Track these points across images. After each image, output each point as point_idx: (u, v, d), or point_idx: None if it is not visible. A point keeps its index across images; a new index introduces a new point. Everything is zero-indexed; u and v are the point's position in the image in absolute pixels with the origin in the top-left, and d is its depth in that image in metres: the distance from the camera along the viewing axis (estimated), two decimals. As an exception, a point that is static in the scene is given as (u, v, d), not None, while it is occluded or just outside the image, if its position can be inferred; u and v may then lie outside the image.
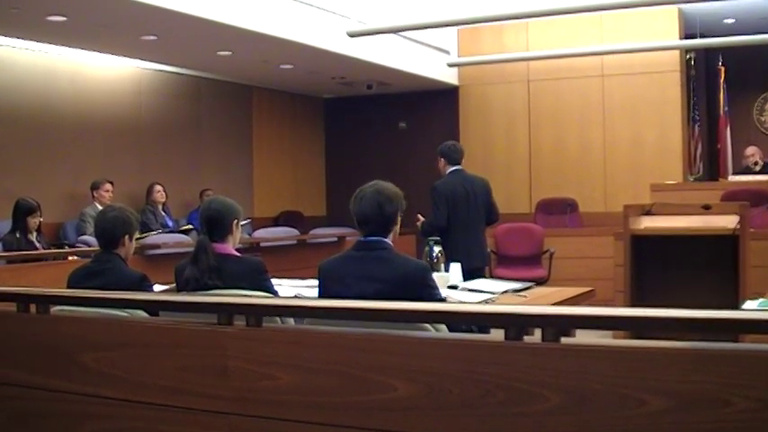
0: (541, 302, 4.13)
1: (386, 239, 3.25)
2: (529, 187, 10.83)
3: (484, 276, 5.66)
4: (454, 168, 6.03)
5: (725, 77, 10.94)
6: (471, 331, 2.80)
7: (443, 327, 2.64)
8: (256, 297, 3.11)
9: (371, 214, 3.20)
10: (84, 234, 7.72)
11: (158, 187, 9.04)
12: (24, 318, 2.91)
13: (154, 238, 7.44)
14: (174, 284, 3.67)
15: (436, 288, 3.28)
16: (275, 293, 3.59)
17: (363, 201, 3.24)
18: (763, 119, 11.54)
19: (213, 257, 3.45)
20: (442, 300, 3.28)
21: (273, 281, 3.68)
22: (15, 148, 8.13)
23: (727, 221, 5.01)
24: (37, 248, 6.71)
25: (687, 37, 10.26)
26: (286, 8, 7.99)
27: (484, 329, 2.94)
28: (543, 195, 10.42)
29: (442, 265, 4.98)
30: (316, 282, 3.48)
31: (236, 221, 3.65)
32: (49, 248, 7.06)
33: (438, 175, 6.07)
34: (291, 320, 2.83)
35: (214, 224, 3.59)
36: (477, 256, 5.88)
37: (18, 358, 2.86)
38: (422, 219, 5.99)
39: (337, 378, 2.24)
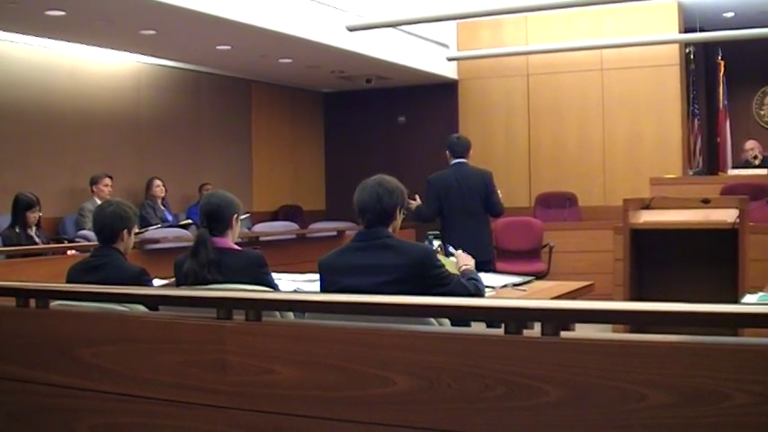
0: (541, 296, 4.13)
1: (386, 229, 3.26)
2: (528, 181, 10.83)
3: (489, 270, 5.62)
4: (456, 161, 6.05)
5: (724, 71, 10.95)
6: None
7: (446, 320, 2.65)
8: (256, 291, 3.10)
9: (370, 204, 3.23)
10: (84, 229, 7.71)
11: (157, 182, 9.03)
12: (24, 312, 2.91)
13: (153, 232, 7.44)
14: (174, 279, 3.68)
15: (443, 266, 3.33)
16: (275, 287, 3.59)
17: (364, 191, 3.27)
18: (762, 112, 11.54)
19: (213, 251, 3.46)
20: (450, 275, 3.30)
21: (273, 275, 3.68)
22: (14, 142, 8.11)
23: (727, 215, 5.02)
24: (36, 243, 6.71)
25: (686, 31, 10.24)
26: (285, 2, 7.98)
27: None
28: (542, 189, 10.42)
29: (442, 258, 4.97)
30: (315, 276, 3.48)
31: (235, 216, 3.66)
32: (49, 243, 7.06)
33: (441, 168, 6.09)
34: (291, 314, 2.83)
35: (214, 218, 3.59)
36: (470, 251, 5.85)
37: (17, 353, 2.86)
38: (418, 201, 6.03)
39: (337, 372, 2.24)
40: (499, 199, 6.15)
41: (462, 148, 6.11)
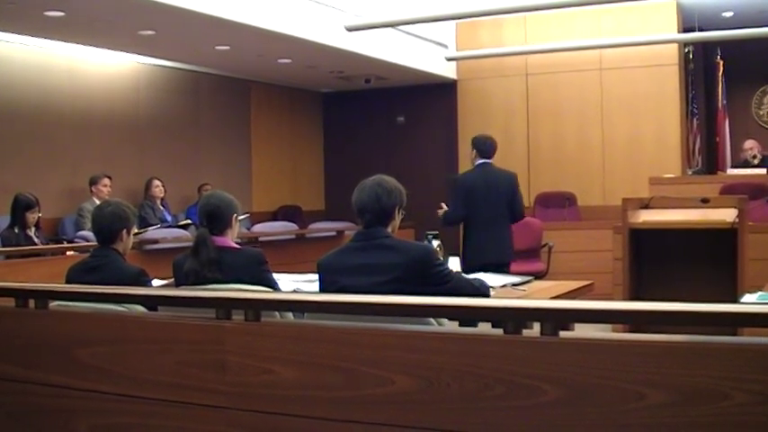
0: (540, 296, 4.13)
1: (384, 229, 3.27)
2: (527, 181, 10.80)
3: (505, 272, 5.60)
4: (482, 161, 6.01)
5: (723, 71, 10.96)
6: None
7: (445, 320, 2.65)
8: (255, 291, 3.10)
9: (369, 205, 3.23)
10: (83, 229, 7.71)
11: (157, 182, 9.03)
12: (23, 313, 2.90)
13: (152, 232, 7.43)
14: (173, 279, 3.68)
15: (443, 263, 3.34)
16: (275, 284, 3.60)
17: (363, 191, 3.28)
18: (761, 112, 11.54)
19: (213, 250, 3.46)
20: (451, 273, 3.30)
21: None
22: (13, 143, 8.11)
23: (726, 215, 5.02)
24: (35, 244, 6.71)
25: (685, 30, 10.24)
26: (284, 2, 7.98)
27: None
28: (542, 189, 10.42)
29: (441, 259, 4.97)
30: (314, 276, 3.48)
31: (235, 215, 3.67)
32: (48, 244, 7.06)
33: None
34: (290, 315, 2.83)
35: (213, 218, 3.60)
36: (493, 252, 5.83)
37: (16, 354, 2.86)
38: (444, 207, 6.01)
39: (336, 372, 2.24)
40: (522, 202, 6.15)
41: (491, 149, 6.06)
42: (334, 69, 10.32)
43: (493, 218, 5.89)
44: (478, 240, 5.81)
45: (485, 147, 6.07)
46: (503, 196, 5.93)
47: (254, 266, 3.53)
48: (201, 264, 3.44)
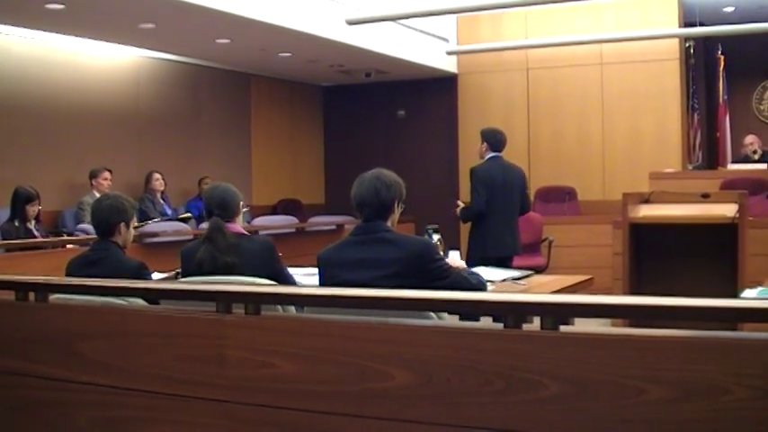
0: (540, 290, 4.13)
1: (384, 223, 3.27)
2: (527, 175, 10.79)
3: (508, 266, 5.62)
4: (494, 155, 6.02)
5: (724, 66, 10.95)
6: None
7: (445, 314, 2.65)
8: (255, 285, 3.11)
9: (368, 199, 3.23)
10: (83, 222, 7.71)
11: (157, 175, 9.03)
12: (23, 306, 2.90)
13: (152, 226, 7.43)
14: (178, 270, 3.69)
15: (442, 258, 3.36)
16: (288, 274, 3.65)
17: (362, 185, 3.28)
18: (761, 107, 11.54)
19: (231, 236, 3.50)
20: (450, 269, 3.30)
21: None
22: (14, 136, 8.10)
23: (726, 210, 5.01)
24: (35, 237, 6.71)
25: (686, 25, 10.23)
26: (284, -4, 7.98)
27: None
28: (542, 183, 10.40)
29: (441, 252, 4.97)
30: (314, 270, 3.48)
31: (240, 203, 3.74)
32: (48, 237, 7.05)
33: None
34: (292, 308, 2.83)
35: (222, 206, 3.65)
36: (508, 246, 5.86)
37: (16, 347, 2.86)
38: (461, 204, 6.01)
39: (336, 366, 2.24)
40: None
41: (502, 143, 6.09)
42: (334, 63, 10.31)
43: (508, 211, 5.92)
44: (496, 234, 5.81)
45: (496, 140, 6.08)
46: (516, 190, 5.97)
47: (268, 254, 3.60)
48: (219, 250, 3.46)
